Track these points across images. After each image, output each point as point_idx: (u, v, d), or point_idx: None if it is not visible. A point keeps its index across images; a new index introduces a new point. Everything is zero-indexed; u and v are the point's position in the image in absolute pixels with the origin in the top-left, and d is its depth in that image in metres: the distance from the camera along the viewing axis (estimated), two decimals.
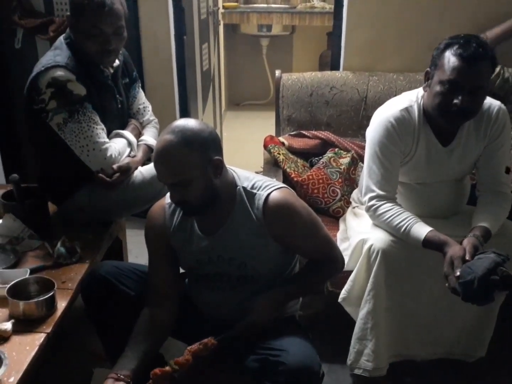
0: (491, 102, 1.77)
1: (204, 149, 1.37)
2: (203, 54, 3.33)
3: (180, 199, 1.42)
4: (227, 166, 1.52)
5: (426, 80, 1.73)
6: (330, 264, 1.59)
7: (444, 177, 1.85)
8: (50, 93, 1.71)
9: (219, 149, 1.43)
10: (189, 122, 1.40)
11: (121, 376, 1.37)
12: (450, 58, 1.62)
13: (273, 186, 1.48)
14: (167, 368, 1.34)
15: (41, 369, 1.81)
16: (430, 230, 1.66)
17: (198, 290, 1.60)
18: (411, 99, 1.79)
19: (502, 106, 1.78)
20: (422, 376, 1.89)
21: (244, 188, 1.48)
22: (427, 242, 1.65)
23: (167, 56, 2.75)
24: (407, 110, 1.77)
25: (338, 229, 2.10)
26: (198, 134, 1.37)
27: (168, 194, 1.57)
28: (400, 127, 1.75)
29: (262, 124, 4.02)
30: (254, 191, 1.47)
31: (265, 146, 2.31)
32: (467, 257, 1.55)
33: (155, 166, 1.41)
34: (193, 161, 1.36)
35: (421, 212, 1.81)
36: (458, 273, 1.52)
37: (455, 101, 1.62)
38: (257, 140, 2.70)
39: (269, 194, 1.45)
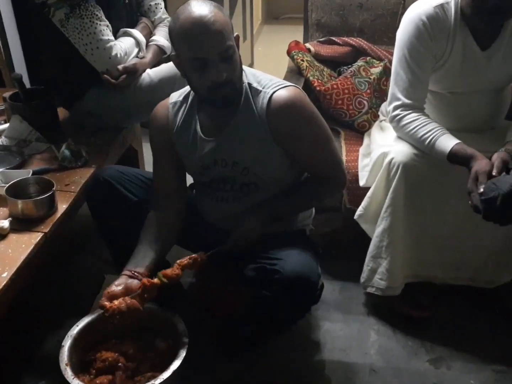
0: None
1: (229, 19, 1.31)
2: None
3: (228, 75, 1.28)
4: None
5: None
6: (330, 182, 1.47)
7: (481, 86, 1.65)
8: None
9: None
10: None
11: (135, 274, 1.35)
12: None
13: (280, 84, 1.35)
14: (156, 280, 1.32)
15: (54, 274, 1.86)
16: (458, 143, 1.51)
17: (204, 200, 1.54)
18: None
19: None
20: (440, 299, 1.80)
21: (249, 84, 1.36)
22: (453, 156, 1.50)
23: None
24: (442, 7, 1.56)
25: (362, 144, 1.96)
26: (220, 6, 1.31)
27: (172, 94, 1.48)
28: (432, 26, 1.55)
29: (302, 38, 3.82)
30: (260, 88, 1.35)
31: (289, 52, 2.14)
32: (493, 173, 1.39)
33: (199, 39, 1.24)
34: (230, 28, 1.29)
35: (452, 125, 1.64)
36: (481, 189, 1.38)
37: None
38: None
39: (274, 92, 1.33)
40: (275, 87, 1.34)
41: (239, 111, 1.36)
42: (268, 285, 1.30)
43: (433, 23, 1.55)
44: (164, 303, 1.44)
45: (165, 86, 1.50)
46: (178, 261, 1.36)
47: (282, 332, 1.47)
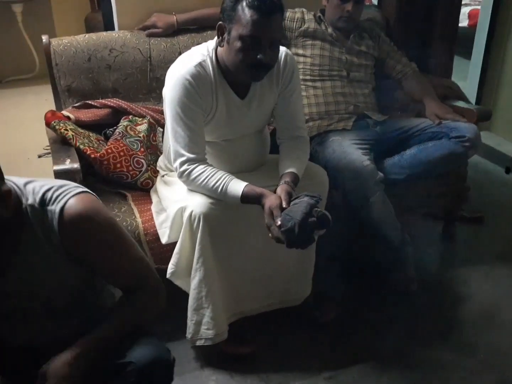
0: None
1: None
2: None
3: None
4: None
5: (221, 35, 1.65)
6: (146, 293, 1.30)
7: (246, 131, 1.84)
8: None
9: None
10: None
11: None
12: (246, 12, 1.56)
13: (67, 194, 1.17)
14: None
15: None
16: (246, 185, 1.64)
17: (7, 327, 1.27)
18: (202, 53, 1.71)
19: (287, 51, 1.81)
20: (260, 328, 1.92)
21: (30, 206, 1.15)
22: (245, 198, 1.63)
23: None
24: (201, 65, 1.68)
25: (151, 202, 1.96)
26: None
27: None
28: (198, 83, 1.66)
29: (36, 100, 3.66)
30: (44, 207, 1.15)
31: (48, 124, 2.00)
32: (284, 205, 1.57)
33: None
34: None
35: (231, 169, 1.77)
36: (279, 222, 1.53)
37: (259, 56, 1.59)
38: (34, 118, 2.39)
39: (63, 207, 1.15)
40: (61, 199, 1.16)
41: (25, 239, 1.16)
42: (121, 379, 1.18)
43: (198, 81, 1.66)
44: None
45: None
46: None
47: None
